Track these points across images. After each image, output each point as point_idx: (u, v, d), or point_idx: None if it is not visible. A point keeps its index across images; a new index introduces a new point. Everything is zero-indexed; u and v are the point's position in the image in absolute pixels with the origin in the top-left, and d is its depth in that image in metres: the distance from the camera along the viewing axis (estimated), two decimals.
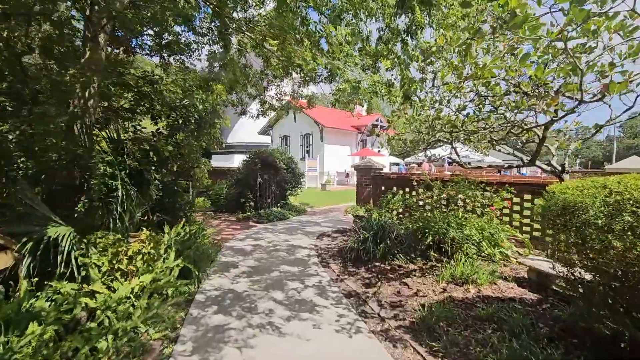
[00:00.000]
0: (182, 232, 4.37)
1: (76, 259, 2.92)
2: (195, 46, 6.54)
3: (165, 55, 6.43)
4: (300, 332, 2.89)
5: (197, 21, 6.70)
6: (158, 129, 5.02)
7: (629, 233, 1.88)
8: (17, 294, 2.58)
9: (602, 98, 2.49)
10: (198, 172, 7.11)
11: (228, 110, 11.78)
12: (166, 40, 6.25)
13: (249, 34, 5.93)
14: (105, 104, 5.25)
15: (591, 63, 2.41)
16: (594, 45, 2.35)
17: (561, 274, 2.77)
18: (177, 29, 6.62)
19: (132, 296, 2.90)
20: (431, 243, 4.56)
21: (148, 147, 4.22)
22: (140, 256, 3.21)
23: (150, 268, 3.26)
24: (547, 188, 2.59)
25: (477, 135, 3.58)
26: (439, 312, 3.02)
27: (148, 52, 6.50)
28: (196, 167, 5.82)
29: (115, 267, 3.06)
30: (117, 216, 3.55)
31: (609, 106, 2.65)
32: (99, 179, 3.37)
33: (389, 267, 4.47)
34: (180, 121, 5.23)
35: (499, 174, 6.80)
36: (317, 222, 8.36)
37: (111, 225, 3.50)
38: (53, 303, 2.57)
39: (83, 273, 2.92)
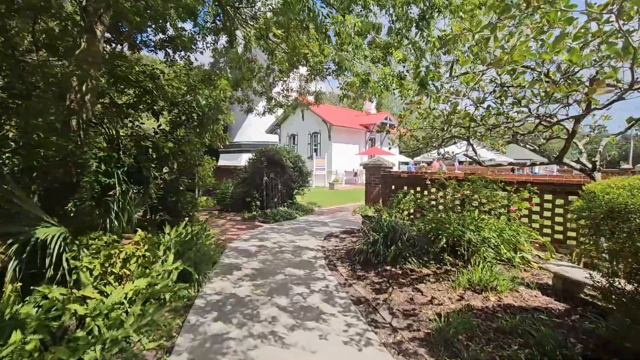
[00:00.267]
0: (183, 233, 4.18)
1: (67, 261, 2.75)
2: (198, 37, 6.35)
3: (170, 50, 6.28)
4: (305, 343, 2.66)
5: (202, 15, 6.53)
6: (159, 125, 4.84)
7: None
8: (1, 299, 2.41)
9: None
10: (201, 170, 6.93)
11: (234, 108, 11.62)
12: (170, 35, 6.09)
13: (252, 23, 5.71)
14: (107, 100, 5.11)
15: None
16: None
17: (598, 283, 2.48)
18: (181, 25, 6.47)
19: (125, 302, 2.71)
20: (445, 246, 4.28)
21: (147, 144, 4.03)
22: (135, 259, 3.01)
23: (147, 271, 3.06)
24: (583, 188, 2.30)
25: (499, 129, 3.28)
26: (457, 323, 2.75)
27: (153, 48, 6.36)
28: (198, 164, 5.63)
29: (109, 270, 2.87)
30: (114, 216, 3.38)
31: None
32: (91, 177, 3.19)
33: (400, 272, 4.20)
34: (182, 117, 5.05)
35: (512, 173, 6.45)
36: (325, 222, 8.12)
37: (108, 225, 3.34)
38: (40, 309, 2.40)
39: (74, 277, 2.74)
